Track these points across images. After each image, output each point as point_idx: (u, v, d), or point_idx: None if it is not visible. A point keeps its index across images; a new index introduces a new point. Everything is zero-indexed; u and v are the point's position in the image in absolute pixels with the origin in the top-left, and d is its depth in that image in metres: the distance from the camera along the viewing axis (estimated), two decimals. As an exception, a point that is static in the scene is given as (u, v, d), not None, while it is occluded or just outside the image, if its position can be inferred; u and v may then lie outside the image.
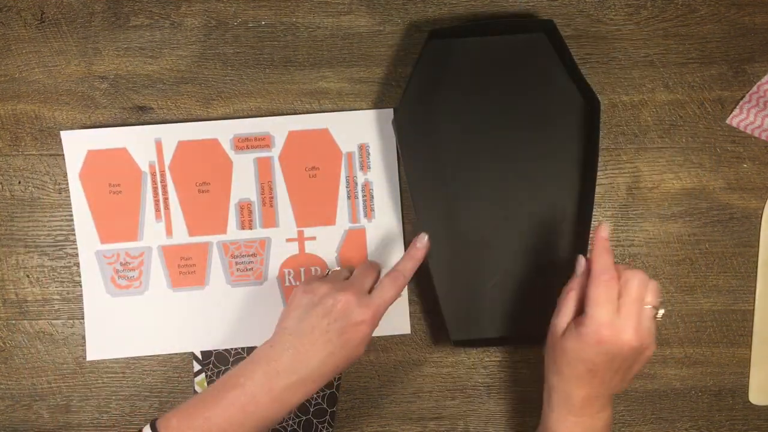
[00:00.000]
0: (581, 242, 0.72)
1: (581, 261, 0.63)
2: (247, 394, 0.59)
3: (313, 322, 0.61)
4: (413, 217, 0.72)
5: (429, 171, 0.73)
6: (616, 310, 0.58)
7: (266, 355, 0.61)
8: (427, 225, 0.72)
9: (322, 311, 0.61)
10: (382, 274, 0.66)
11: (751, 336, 0.75)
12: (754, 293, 0.75)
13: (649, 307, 0.60)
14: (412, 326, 0.74)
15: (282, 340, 0.61)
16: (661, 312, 0.61)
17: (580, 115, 0.73)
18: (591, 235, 0.71)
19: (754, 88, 0.74)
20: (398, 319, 0.74)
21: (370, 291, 0.64)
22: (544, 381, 0.65)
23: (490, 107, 0.73)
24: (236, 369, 0.61)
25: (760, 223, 0.74)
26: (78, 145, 0.73)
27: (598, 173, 0.73)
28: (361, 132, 0.73)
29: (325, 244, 0.74)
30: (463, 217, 0.73)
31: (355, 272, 0.67)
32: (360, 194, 0.74)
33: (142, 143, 0.73)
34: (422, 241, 0.68)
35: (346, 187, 0.74)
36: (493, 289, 0.73)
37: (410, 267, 0.66)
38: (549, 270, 0.73)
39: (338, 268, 0.71)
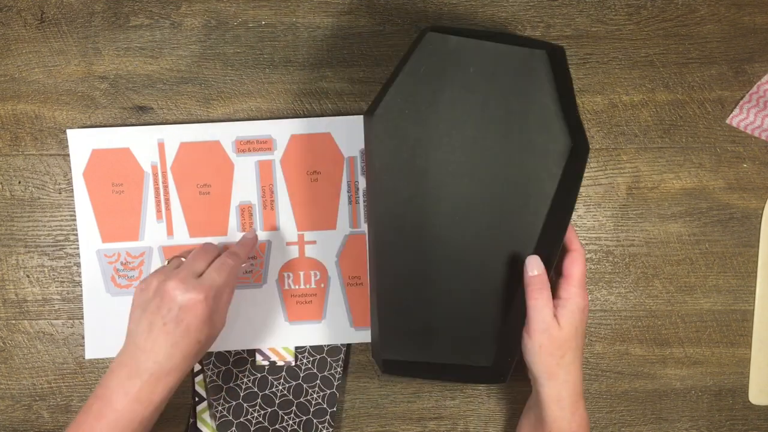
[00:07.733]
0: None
1: (536, 260, 0.66)
2: (106, 404, 0.60)
3: (149, 318, 0.62)
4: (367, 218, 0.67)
5: (396, 177, 0.66)
6: None
7: (118, 362, 0.62)
8: (381, 231, 0.66)
9: (155, 306, 0.62)
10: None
11: (751, 336, 0.75)
12: (754, 293, 0.75)
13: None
14: (412, 326, 0.74)
15: (128, 345, 0.63)
16: None
17: (565, 152, 0.68)
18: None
19: (754, 88, 0.74)
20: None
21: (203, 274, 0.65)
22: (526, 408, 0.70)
23: (473, 118, 0.67)
24: (98, 384, 0.62)
25: (760, 223, 0.75)
26: (83, 144, 0.73)
27: (598, 173, 0.74)
28: (363, 137, 0.73)
29: (326, 249, 0.74)
30: (424, 233, 0.67)
31: (187, 258, 0.67)
32: (361, 199, 0.73)
33: (145, 144, 0.73)
34: (252, 232, 0.73)
35: (348, 191, 0.74)
36: (439, 311, 0.69)
37: (242, 251, 0.68)
38: (501, 301, 0.69)
39: (175, 256, 0.70)
